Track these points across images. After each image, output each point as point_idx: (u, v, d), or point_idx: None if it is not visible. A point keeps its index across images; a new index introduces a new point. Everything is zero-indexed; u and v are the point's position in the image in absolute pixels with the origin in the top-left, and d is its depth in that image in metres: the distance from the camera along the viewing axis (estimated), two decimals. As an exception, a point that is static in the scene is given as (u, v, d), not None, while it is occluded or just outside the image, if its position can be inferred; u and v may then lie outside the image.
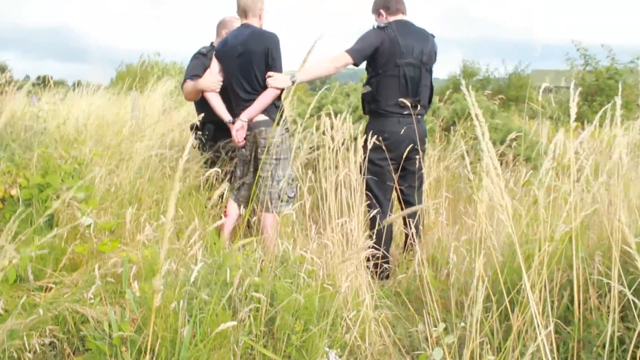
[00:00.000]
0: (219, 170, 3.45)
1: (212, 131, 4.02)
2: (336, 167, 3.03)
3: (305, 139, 4.56)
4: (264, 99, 3.37)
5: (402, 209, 3.67)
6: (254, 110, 3.38)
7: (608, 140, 3.47)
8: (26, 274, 2.36)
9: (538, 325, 1.49)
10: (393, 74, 3.48)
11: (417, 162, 3.56)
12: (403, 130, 3.44)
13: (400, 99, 3.43)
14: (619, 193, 2.06)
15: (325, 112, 4.14)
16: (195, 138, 4.15)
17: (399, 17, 3.56)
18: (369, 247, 2.84)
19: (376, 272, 3.29)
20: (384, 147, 3.39)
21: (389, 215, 3.46)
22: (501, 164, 4.88)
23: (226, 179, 3.80)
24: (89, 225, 2.64)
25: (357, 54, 3.46)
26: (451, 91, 6.89)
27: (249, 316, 1.95)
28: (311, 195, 3.49)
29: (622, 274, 1.87)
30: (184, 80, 3.92)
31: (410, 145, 3.41)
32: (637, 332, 1.59)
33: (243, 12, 3.49)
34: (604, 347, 1.73)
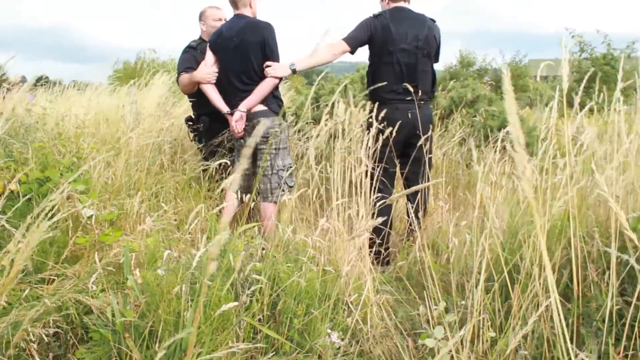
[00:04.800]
0: (228, 162, 3.46)
1: (207, 123, 4.03)
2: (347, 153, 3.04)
3: (301, 131, 4.56)
4: (263, 88, 3.37)
5: (406, 196, 3.67)
6: (253, 100, 3.38)
7: (606, 124, 3.47)
8: (29, 266, 2.37)
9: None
10: (387, 61, 3.48)
11: (421, 148, 3.53)
12: (402, 116, 3.43)
13: (397, 85, 3.44)
14: (617, 174, 2.07)
15: (323, 104, 4.14)
16: (191, 131, 4.17)
17: (400, 4, 3.55)
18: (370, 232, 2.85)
19: (377, 259, 3.30)
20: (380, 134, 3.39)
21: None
22: (497, 150, 4.89)
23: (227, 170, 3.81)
24: (90, 217, 2.65)
25: (352, 42, 3.48)
26: (449, 80, 6.91)
27: (251, 300, 1.96)
28: (315, 183, 3.51)
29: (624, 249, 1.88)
30: (178, 75, 3.94)
31: (411, 132, 3.40)
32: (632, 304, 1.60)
33: (233, 2, 3.49)
34: (603, 321, 1.74)
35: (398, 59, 3.46)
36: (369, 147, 3.08)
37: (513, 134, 0.87)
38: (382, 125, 3.31)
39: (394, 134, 3.37)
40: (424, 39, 3.49)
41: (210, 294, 1.80)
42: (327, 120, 2.73)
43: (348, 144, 3.05)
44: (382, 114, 3.42)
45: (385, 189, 3.47)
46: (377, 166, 3.42)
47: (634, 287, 1.83)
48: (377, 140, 3.31)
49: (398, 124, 3.40)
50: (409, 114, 3.45)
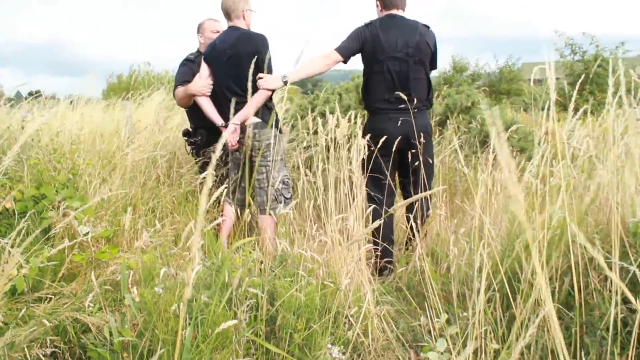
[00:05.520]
0: (213, 173, 3.43)
1: (204, 136, 4.02)
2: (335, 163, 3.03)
3: (298, 139, 4.55)
4: (256, 100, 3.35)
5: (406, 206, 3.64)
6: (247, 113, 3.36)
7: (604, 129, 3.46)
8: (26, 286, 2.35)
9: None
10: (378, 70, 3.44)
11: (416, 156, 3.47)
12: (393, 126, 3.38)
13: (389, 94, 3.40)
14: (615, 177, 2.06)
15: (322, 110, 4.13)
16: (189, 144, 4.15)
17: (393, 11, 3.50)
18: (368, 242, 2.84)
19: (376, 269, 3.27)
20: (373, 144, 3.37)
21: (385, 211, 3.43)
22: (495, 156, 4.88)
23: (222, 183, 3.79)
24: (86, 234, 2.63)
25: (344, 51, 3.45)
26: (443, 85, 6.91)
27: (250, 316, 1.94)
28: (311, 194, 3.49)
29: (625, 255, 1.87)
30: (175, 87, 3.93)
31: (404, 141, 3.36)
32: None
33: (226, 13, 3.48)
34: (607, 330, 1.72)
35: (388, 67, 3.41)
36: (361, 158, 3.06)
37: (502, 162, 0.86)
38: (373, 135, 3.28)
39: (383, 144, 3.32)
40: (414, 46, 3.41)
41: (207, 312, 1.78)
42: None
43: (345, 154, 3.03)
44: (372, 124, 3.39)
45: (376, 200, 3.42)
46: (367, 177, 3.39)
47: (637, 294, 1.81)
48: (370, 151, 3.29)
49: (389, 133, 3.35)
50: (401, 123, 3.38)
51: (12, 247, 1.78)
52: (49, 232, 3.02)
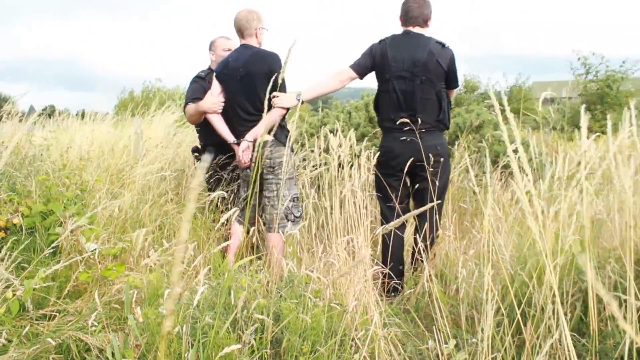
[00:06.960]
0: (224, 193, 3.41)
1: (213, 153, 4.02)
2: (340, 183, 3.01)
3: (308, 157, 4.54)
4: (270, 119, 3.35)
5: (416, 225, 3.56)
6: (260, 130, 3.35)
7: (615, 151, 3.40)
8: (29, 303, 2.33)
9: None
10: (385, 88, 3.42)
11: (424, 179, 3.37)
12: (399, 146, 3.34)
13: (395, 114, 3.36)
14: (628, 200, 2.02)
15: (329, 129, 4.13)
16: (198, 161, 4.15)
17: (409, 28, 3.44)
18: (375, 263, 2.80)
19: (384, 289, 3.23)
20: (381, 163, 3.35)
21: (400, 232, 3.39)
22: (506, 175, 4.84)
23: (230, 200, 3.78)
24: (93, 251, 2.61)
25: (358, 68, 3.43)
26: (454, 105, 6.89)
27: (255, 338, 1.91)
28: (316, 214, 3.46)
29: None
30: (185, 104, 3.94)
31: (410, 162, 3.29)
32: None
33: (239, 31, 3.50)
34: (622, 359, 1.67)
35: (394, 86, 3.35)
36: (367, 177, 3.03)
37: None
38: (382, 154, 3.24)
39: (389, 164, 3.29)
40: (421, 65, 3.31)
41: (211, 334, 1.75)
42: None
43: (348, 173, 3.01)
44: (382, 143, 3.38)
45: (389, 220, 3.37)
46: (377, 196, 3.37)
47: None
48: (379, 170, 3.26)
49: (395, 154, 3.31)
50: (406, 144, 3.32)
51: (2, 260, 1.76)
52: (57, 248, 3.02)
